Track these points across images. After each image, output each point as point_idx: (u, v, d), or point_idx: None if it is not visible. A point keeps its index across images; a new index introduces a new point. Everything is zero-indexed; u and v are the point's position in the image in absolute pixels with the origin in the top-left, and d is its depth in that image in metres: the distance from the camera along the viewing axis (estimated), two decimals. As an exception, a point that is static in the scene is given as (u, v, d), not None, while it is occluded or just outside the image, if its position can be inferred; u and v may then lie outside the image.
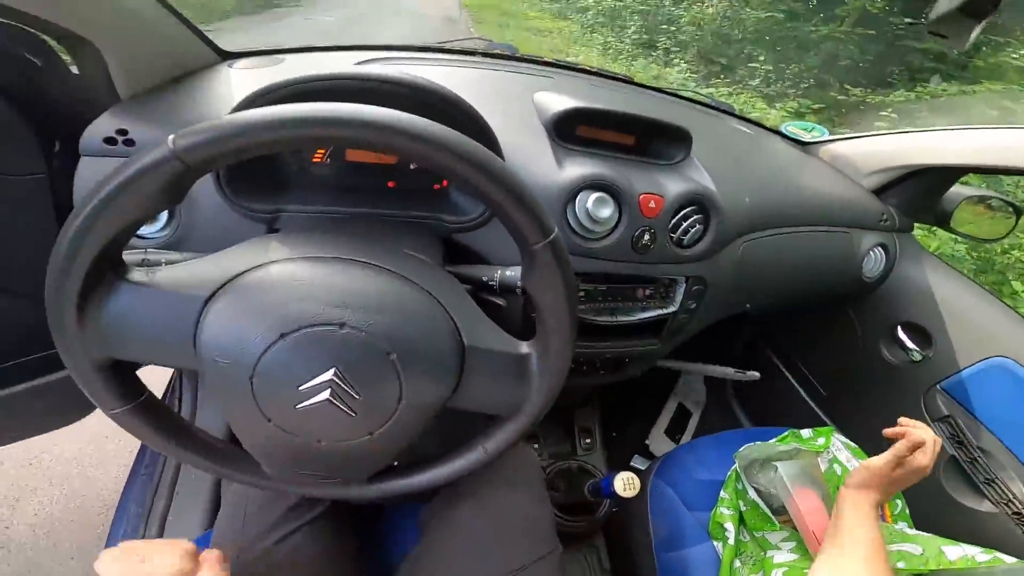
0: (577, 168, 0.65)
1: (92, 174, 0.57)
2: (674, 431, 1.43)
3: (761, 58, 5.60)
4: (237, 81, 0.69)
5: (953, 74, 4.80)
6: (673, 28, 6.98)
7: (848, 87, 4.92)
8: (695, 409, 1.49)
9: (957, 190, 1.04)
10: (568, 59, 1.12)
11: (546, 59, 1.07)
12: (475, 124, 0.55)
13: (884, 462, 0.59)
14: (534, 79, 0.91)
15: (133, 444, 0.77)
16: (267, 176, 0.58)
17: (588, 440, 1.29)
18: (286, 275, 0.38)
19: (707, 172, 0.75)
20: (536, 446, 1.24)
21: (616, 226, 0.67)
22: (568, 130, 0.71)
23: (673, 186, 0.70)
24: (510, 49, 1.09)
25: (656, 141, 0.77)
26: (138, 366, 0.42)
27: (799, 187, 0.97)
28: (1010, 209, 1.11)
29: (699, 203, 0.71)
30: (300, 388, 0.36)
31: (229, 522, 0.56)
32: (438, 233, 0.59)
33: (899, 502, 0.77)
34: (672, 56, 6.61)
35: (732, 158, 0.92)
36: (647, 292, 0.76)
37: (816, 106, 4.81)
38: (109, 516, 0.72)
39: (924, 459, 0.60)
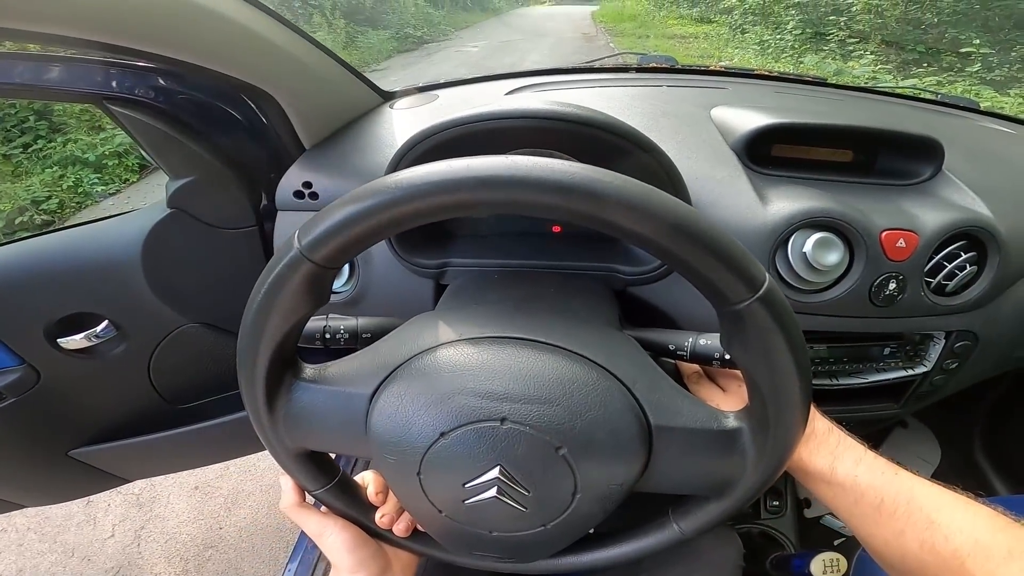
0: (787, 201, 0.51)
1: (289, 227, 0.62)
2: None
3: (976, 41, 4.59)
4: (397, 122, 0.71)
5: None
6: (844, 18, 6.09)
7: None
8: (922, 468, 1.16)
9: None
10: (735, 65, 0.95)
11: (714, 67, 0.92)
12: (652, 158, 0.45)
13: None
14: (706, 93, 0.78)
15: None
16: (433, 228, 0.57)
17: (776, 503, 1.07)
18: (444, 364, 0.36)
19: (972, 192, 0.55)
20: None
21: (847, 273, 0.51)
22: (762, 152, 0.57)
23: (929, 216, 0.52)
24: (668, 61, 0.97)
25: (886, 155, 0.58)
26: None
27: None
28: None
29: (970, 236, 0.52)
30: (466, 485, 0.35)
31: None
32: (613, 286, 0.52)
33: None
34: (849, 48, 5.73)
35: (1000, 167, 0.68)
36: (888, 351, 0.58)
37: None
38: (297, 529, 0.77)
39: None
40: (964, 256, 0.52)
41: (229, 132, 0.65)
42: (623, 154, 0.45)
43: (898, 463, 0.41)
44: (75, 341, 0.69)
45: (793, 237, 0.50)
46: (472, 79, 0.87)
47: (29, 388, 0.71)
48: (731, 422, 0.35)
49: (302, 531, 0.76)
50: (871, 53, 5.42)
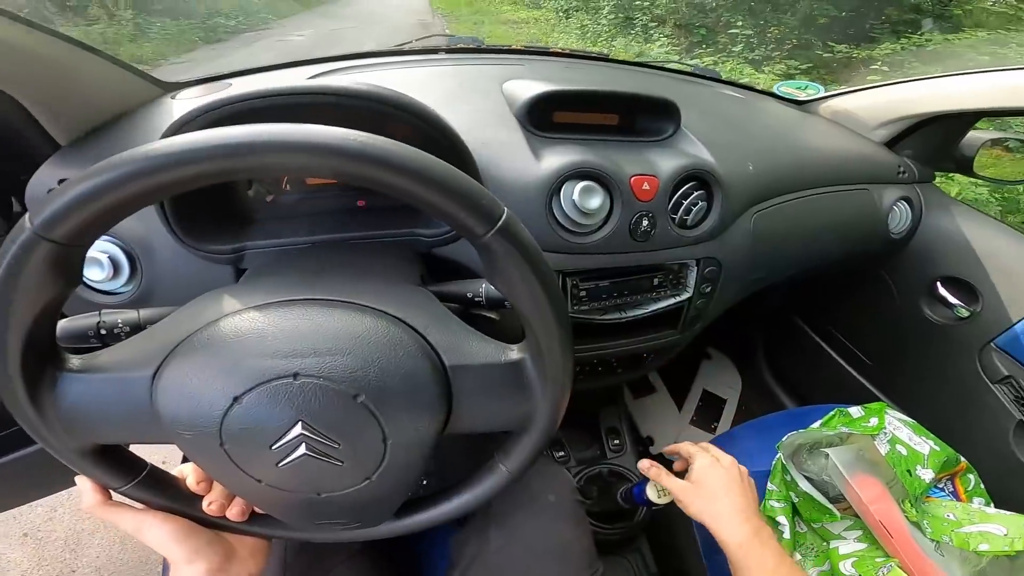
0: (557, 157, 0.59)
1: None
2: (707, 420, 1.36)
3: (740, 23, 5.49)
4: (179, 112, 0.64)
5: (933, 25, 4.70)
6: (648, 3, 6.87)
7: (832, 44, 4.83)
8: (729, 394, 1.41)
9: (975, 135, 0.97)
10: (541, 45, 1.04)
11: (514, 47, 1.00)
12: (430, 125, 0.48)
13: (673, 483, 0.63)
14: (503, 69, 0.84)
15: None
16: (224, 213, 0.54)
17: (616, 441, 1.22)
18: (231, 331, 0.35)
19: (702, 143, 0.68)
20: (562, 453, 1.18)
21: (609, 215, 0.60)
22: (544, 118, 0.65)
23: (667, 163, 0.63)
24: (475, 41, 1.02)
25: (641, 118, 0.70)
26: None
27: (805, 148, 0.90)
28: (1031, 149, 1.04)
29: (698, 177, 0.65)
30: (273, 447, 0.34)
31: (272, 570, 0.54)
32: (417, 249, 0.54)
33: (972, 477, 0.72)
34: (651, 31, 6.49)
35: (727, 125, 0.84)
36: (657, 281, 0.69)
37: (804, 66, 4.72)
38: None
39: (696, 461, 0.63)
40: (696, 194, 0.64)
41: None
42: (403, 124, 0.47)
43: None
44: None
45: (564, 187, 0.58)
46: (272, 66, 0.83)
47: None
48: (515, 354, 0.38)
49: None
50: (665, 36, 6.21)
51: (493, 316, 0.49)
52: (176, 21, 8.93)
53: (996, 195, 2.75)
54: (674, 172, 0.63)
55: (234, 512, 0.40)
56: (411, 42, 0.99)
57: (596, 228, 0.60)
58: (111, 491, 0.39)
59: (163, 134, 0.45)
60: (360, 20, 12.41)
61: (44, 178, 0.54)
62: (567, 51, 1.01)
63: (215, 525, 0.41)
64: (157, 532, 0.39)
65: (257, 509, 0.42)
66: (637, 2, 7.02)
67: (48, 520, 1.30)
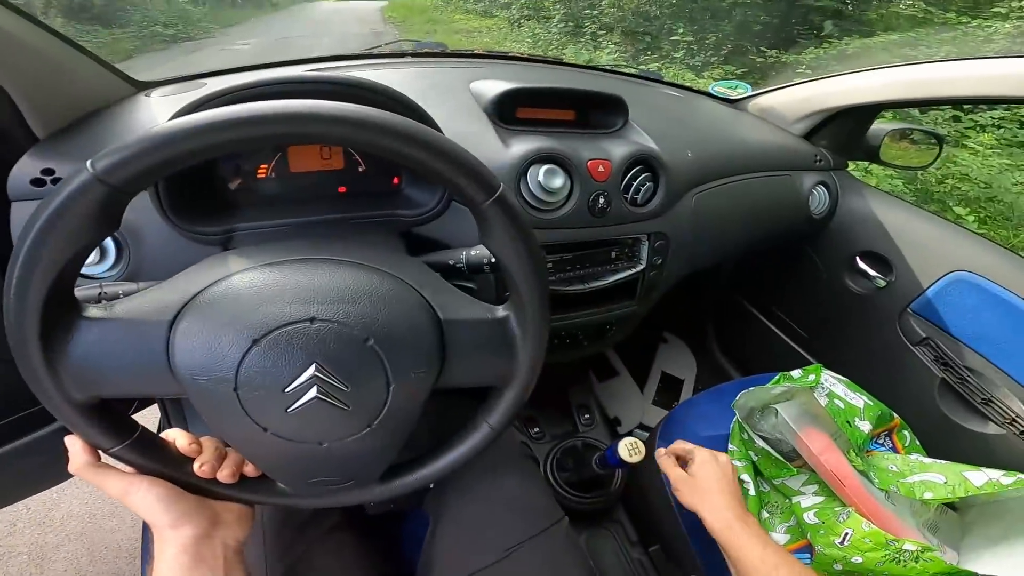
0: (523, 145, 0.67)
1: (26, 218, 0.54)
2: (668, 400, 1.46)
3: (680, 31, 5.79)
4: (159, 107, 0.68)
5: (851, 29, 5.12)
6: (596, 12, 7.12)
7: (764, 49, 5.19)
8: (686, 374, 1.52)
9: (879, 126, 1.10)
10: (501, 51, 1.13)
11: (477, 51, 1.08)
12: (412, 112, 0.54)
13: (675, 474, 0.70)
14: (468, 70, 0.91)
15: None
16: (213, 198, 0.57)
17: (587, 416, 1.30)
18: (248, 283, 0.37)
19: (647, 134, 0.78)
20: (537, 429, 1.25)
21: (570, 195, 0.69)
22: (509, 113, 0.73)
23: (618, 150, 0.73)
24: (440, 47, 1.09)
25: (595, 113, 0.79)
26: (127, 405, 0.41)
27: (736, 139, 1.01)
28: (932, 140, 1.19)
29: (645, 161, 0.74)
30: (286, 390, 0.36)
31: (250, 550, 0.54)
32: (398, 229, 0.59)
33: (907, 433, 0.78)
34: (600, 39, 6.74)
35: (668, 119, 0.95)
36: (614, 254, 0.78)
37: (739, 71, 5.04)
38: (136, 563, 0.68)
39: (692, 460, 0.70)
40: (643, 176, 0.74)
41: None
42: (392, 111, 0.53)
43: None
44: None
45: (530, 170, 0.66)
46: (243, 67, 0.86)
47: None
48: (500, 311, 0.43)
49: (144, 533, 0.66)
50: (613, 44, 6.48)
51: (471, 286, 0.53)
52: (109, 30, 8.50)
53: (909, 187, 3.07)
54: (624, 157, 0.72)
55: (224, 474, 0.40)
56: (380, 46, 1.05)
57: (559, 205, 0.69)
58: (100, 453, 0.39)
59: (179, 112, 0.47)
60: (310, 30, 12.16)
61: (26, 168, 0.55)
62: (526, 56, 1.11)
63: (203, 490, 0.41)
64: (144, 496, 0.38)
65: (247, 471, 0.43)
66: (586, 11, 7.25)
67: (9, 535, 1.25)
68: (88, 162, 0.30)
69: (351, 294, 0.38)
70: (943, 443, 0.82)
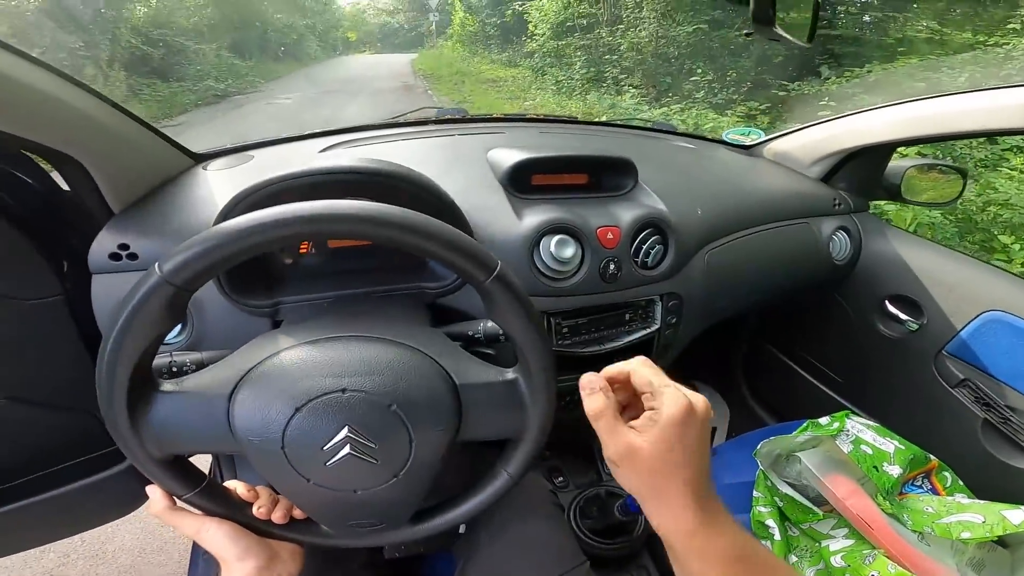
0: (535, 216, 0.70)
1: (106, 290, 0.62)
2: None
3: (699, 70, 5.87)
4: (215, 183, 0.75)
5: (871, 56, 5.09)
6: (616, 56, 7.33)
7: (785, 83, 5.19)
8: (719, 422, 1.47)
9: (898, 163, 1.08)
10: (517, 111, 1.20)
11: (495, 115, 1.15)
12: (432, 195, 0.60)
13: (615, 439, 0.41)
14: (486, 137, 0.96)
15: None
16: (263, 273, 0.63)
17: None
18: (291, 360, 0.44)
19: (656, 194, 0.80)
20: (561, 479, 1.24)
21: (582, 263, 0.71)
22: (524, 181, 0.76)
23: (626, 215, 0.75)
24: (460, 112, 1.17)
25: (606, 175, 0.82)
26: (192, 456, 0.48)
27: (749, 189, 1.02)
28: (954, 172, 1.17)
29: (654, 224, 0.76)
30: (324, 448, 0.42)
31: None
32: (423, 300, 0.64)
33: (947, 474, 0.76)
34: (621, 84, 6.91)
35: (679, 175, 0.97)
36: (628, 316, 0.79)
37: (763, 106, 5.05)
38: None
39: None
40: (652, 240, 0.74)
41: (20, 198, 0.64)
42: (413, 193, 0.59)
43: None
44: None
45: (542, 241, 0.69)
46: (285, 139, 0.94)
47: None
48: (510, 374, 0.47)
49: (190, 569, 0.74)
50: (634, 87, 6.61)
51: (490, 352, 0.58)
52: (167, 83, 9.17)
53: (949, 218, 2.96)
54: (633, 222, 0.74)
55: (277, 516, 0.48)
56: (404, 115, 1.14)
57: (571, 274, 0.71)
58: (176, 499, 0.46)
59: (221, 211, 0.55)
60: (346, 83, 12.92)
61: (104, 243, 0.61)
62: (540, 116, 1.17)
63: (260, 530, 0.48)
64: (214, 534, 0.46)
65: (296, 515, 0.49)
66: (606, 56, 7.47)
67: (62, 565, 1.32)
68: (156, 265, 0.36)
69: (376, 367, 0.44)
70: (991, 483, 0.80)
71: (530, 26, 10.22)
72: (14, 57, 0.50)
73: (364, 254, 0.68)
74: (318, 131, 0.98)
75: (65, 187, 0.66)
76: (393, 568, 0.70)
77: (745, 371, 1.49)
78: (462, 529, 0.67)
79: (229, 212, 0.55)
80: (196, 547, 0.89)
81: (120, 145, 0.64)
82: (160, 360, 0.50)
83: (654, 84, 6.54)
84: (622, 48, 7.28)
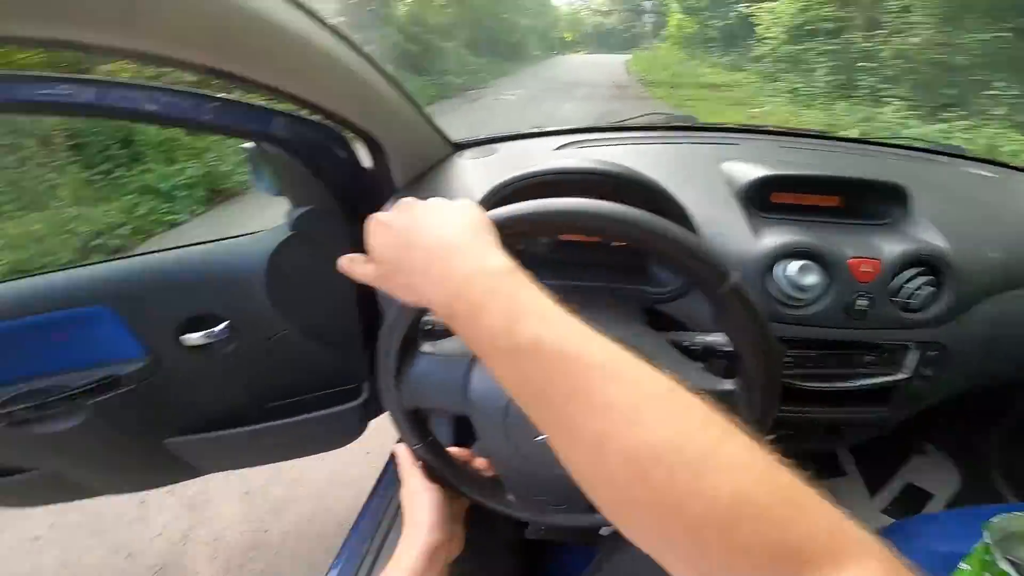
0: (775, 237, 0.65)
1: None
2: (904, 512, 1.20)
3: (1001, 84, 4.56)
4: (471, 171, 0.83)
5: None
6: (874, 64, 6.17)
7: None
8: (940, 489, 1.23)
9: None
10: (753, 120, 1.09)
11: (729, 125, 1.07)
12: (667, 202, 0.61)
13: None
14: (719, 148, 0.91)
15: (373, 471, 0.93)
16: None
17: None
18: None
19: (937, 227, 0.68)
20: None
21: (825, 293, 0.64)
22: (762, 198, 0.71)
23: (890, 247, 0.65)
24: (690, 119, 1.12)
25: (867, 200, 0.72)
26: (427, 416, 0.57)
27: None
28: None
29: (926, 263, 0.65)
30: None
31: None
32: (642, 303, 0.64)
33: None
34: (880, 94, 5.79)
35: (969, 207, 0.80)
36: (868, 359, 0.69)
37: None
38: (341, 535, 0.84)
39: None
40: (922, 280, 0.64)
41: (338, 171, 0.76)
42: (647, 198, 0.60)
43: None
44: (195, 338, 0.81)
45: (776, 264, 0.63)
46: (522, 135, 1.01)
47: (147, 378, 0.80)
48: (728, 385, 0.47)
49: (344, 541, 0.81)
50: (899, 98, 5.45)
51: (703, 365, 0.56)
52: (415, 77, 10.64)
53: None
54: (898, 257, 0.64)
55: (479, 463, 0.54)
56: (633, 118, 1.13)
57: (809, 303, 0.64)
58: (408, 446, 0.53)
59: (488, 193, 0.63)
60: (562, 81, 13.52)
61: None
62: (783, 129, 1.05)
63: (457, 489, 0.53)
64: (424, 497, 0.50)
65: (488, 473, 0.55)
66: (861, 63, 6.34)
67: (269, 482, 1.50)
68: None
69: None
70: None
71: (759, 29, 9.23)
72: (350, 51, 0.57)
73: (590, 249, 0.70)
74: (550, 129, 1.03)
75: (366, 164, 0.77)
76: (528, 552, 0.74)
77: (1001, 443, 1.18)
78: (604, 531, 0.67)
79: (491, 198, 0.62)
80: (373, 492, 0.91)
81: (409, 131, 0.76)
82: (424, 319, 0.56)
83: (929, 96, 5.31)
84: (883, 55, 6.12)
